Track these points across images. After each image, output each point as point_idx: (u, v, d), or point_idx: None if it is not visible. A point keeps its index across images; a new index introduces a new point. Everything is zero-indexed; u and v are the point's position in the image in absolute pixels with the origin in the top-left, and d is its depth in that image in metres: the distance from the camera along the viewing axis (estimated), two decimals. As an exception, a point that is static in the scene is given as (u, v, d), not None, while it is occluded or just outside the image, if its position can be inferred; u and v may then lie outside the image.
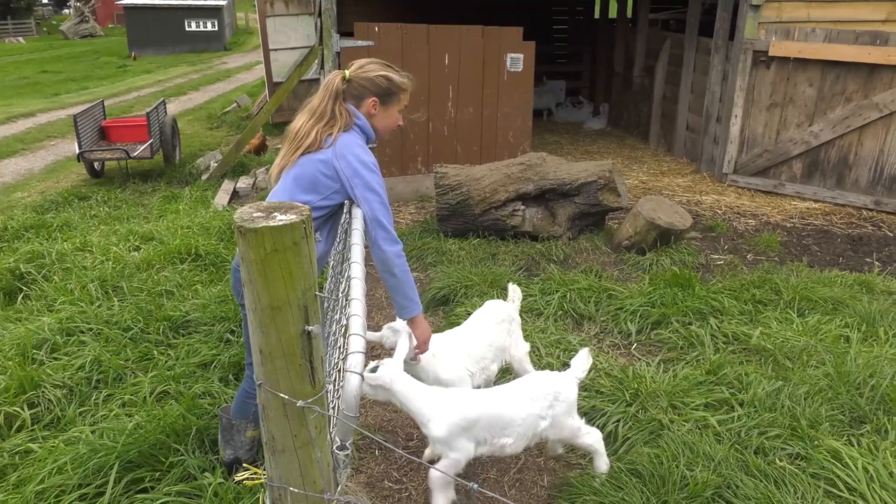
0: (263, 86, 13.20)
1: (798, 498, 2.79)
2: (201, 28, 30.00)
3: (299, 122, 2.76)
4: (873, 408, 3.40)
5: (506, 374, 3.67)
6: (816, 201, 7.52)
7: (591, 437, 3.01)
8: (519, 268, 5.49)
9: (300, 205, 1.57)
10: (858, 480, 2.82)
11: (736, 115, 7.75)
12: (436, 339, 3.15)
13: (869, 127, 7.16)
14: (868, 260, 5.93)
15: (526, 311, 4.61)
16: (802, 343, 4.07)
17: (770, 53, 7.34)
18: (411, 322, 2.82)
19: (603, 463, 3.03)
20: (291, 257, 1.48)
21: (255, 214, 1.50)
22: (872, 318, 4.44)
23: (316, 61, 8.28)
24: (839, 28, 7.17)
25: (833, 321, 4.42)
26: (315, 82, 10.53)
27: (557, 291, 4.85)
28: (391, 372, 2.66)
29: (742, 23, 7.50)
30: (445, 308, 4.84)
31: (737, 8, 7.70)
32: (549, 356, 4.07)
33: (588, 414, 3.48)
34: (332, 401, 1.97)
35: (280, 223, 1.46)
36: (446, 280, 5.07)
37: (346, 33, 6.94)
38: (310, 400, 1.55)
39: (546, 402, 2.83)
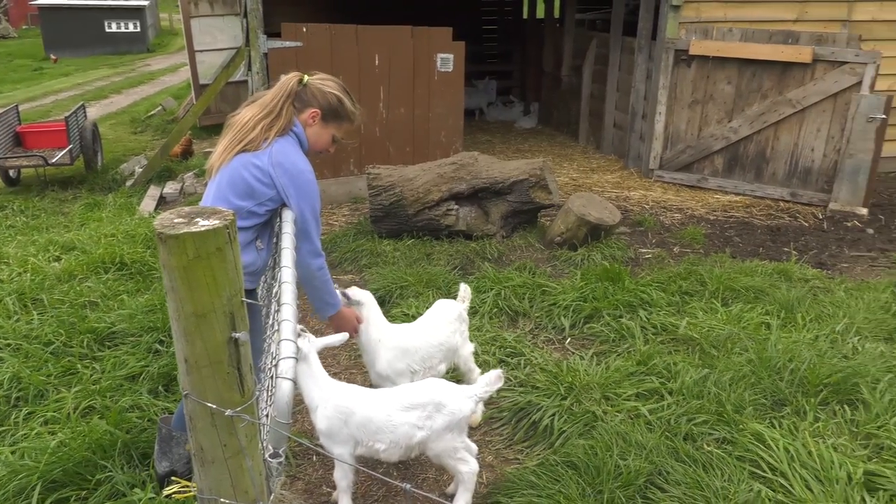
0: (189, 88, 12.86)
1: (725, 481, 2.90)
2: (122, 29, 29.00)
3: (247, 113, 2.72)
4: (793, 391, 3.56)
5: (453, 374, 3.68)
6: (737, 194, 7.82)
7: (466, 467, 2.78)
8: (454, 267, 5.52)
9: (224, 209, 1.54)
10: (780, 461, 2.95)
11: (660, 113, 7.99)
12: (388, 327, 3.21)
13: (784, 122, 7.49)
14: (786, 249, 6.21)
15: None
16: (727, 331, 4.23)
17: (690, 52, 7.59)
18: (333, 318, 2.94)
19: (464, 502, 2.79)
20: (216, 263, 1.44)
21: (176, 220, 1.46)
22: (791, 304, 4.65)
23: (243, 63, 8.12)
24: (754, 28, 7.48)
25: (755, 309, 4.60)
26: (243, 84, 10.33)
27: (492, 289, 4.90)
28: (308, 345, 2.67)
29: (663, 23, 7.74)
30: (381, 309, 4.80)
31: (658, 8, 7.94)
32: (486, 353, 4.10)
33: (524, 409, 3.54)
34: (266, 407, 1.95)
35: (203, 229, 1.43)
36: (381, 281, 5.05)
37: (273, 34, 6.83)
38: (239, 408, 1.52)
39: (425, 413, 2.69)
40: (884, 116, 6.80)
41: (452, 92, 7.54)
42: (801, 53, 7.15)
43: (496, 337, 4.30)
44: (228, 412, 1.50)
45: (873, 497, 2.79)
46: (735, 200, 7.66)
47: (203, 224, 1.44)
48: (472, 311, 4.70)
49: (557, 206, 6.26)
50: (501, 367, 4.00)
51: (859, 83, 7.00)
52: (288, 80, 2.76)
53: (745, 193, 7.80)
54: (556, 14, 12.72)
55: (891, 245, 6.38)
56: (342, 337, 2.84)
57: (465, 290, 3.59)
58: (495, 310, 4.72)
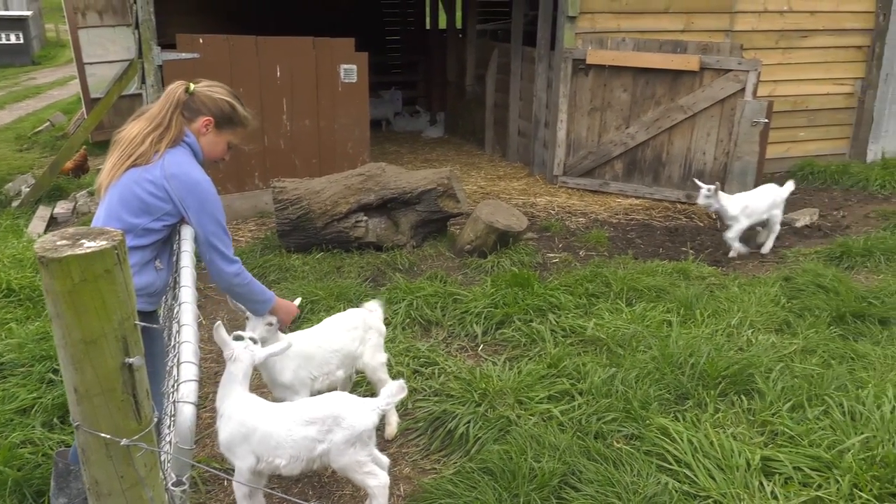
0: (80, 102, 12.25)
1: (634, 475, 2.99)
2: (3, 41, 27.33)
3: (134, 128, 2.62)
4: (694, 384, 3.72)
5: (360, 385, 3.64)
6: (637, 198, 8.13)
7: (375, 481, 2.73)
8: (365, 279, 5.48)
9: (112, 230, 1.47)
10: (685, 452, 3.07)
11: (561, 120, 8.22)
12: (286, 337, 3.17)
13: (677, 127, 7.86)
14: (684, 249, 6.50)
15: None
16: (631, 330, 4.38)
17: (588, 62, 7.86)
18: (273, 312, 2.96)
19: None
20: (104, 286, 1.38)
21: (59, 243, 1.39)
22: (690, 302, 4.87)
23: (137, 76, 7.81)
24: (646, 38, 7.82)
25: (657, 308, 4.79)
26: (137, 98, 9.93)
27: (404, 300, 4.89)
28: (246, 353, 2.64)
29: (561, 33, 7.98)
30: (291, 325, 4.71)
31: (556, 19, 8.18)
32: (399, 365, 4.08)
33: (440, 418, 3.54)
34: (169, 433, 1.87)
35: (89, 250, 1.36)
36: (291, 297, 4.94)
37: (168, 45, 6.61)
38: (136, 437, 1.46)
39: (324, 427, 2.64)
40: (766, 120, 7.24)
41: (357, 102, 7.50)
42: (690, 62, 7.53)
43: (409, 347, 4.29)
44: (124, 441, 1.43)
45: (770, 481, 2.94)
46: (635, 203, 7.96)
47: (89, 246, 1.37)
48: (385, 323, 4.67)
49: (466, 214, 6.32)
50: (416, 377, 4.00)
51: (743, 89, 7.43)
52: (174, 89, 2.67)
53: (644, 196, 8.12)
54: (458, 24, 12.89)
55: (777, 241, 6.78)
56: (285, 345, 2.77)
57: (375, 304, 3.60)
58: (408, 320, 4.71)
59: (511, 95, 9.71)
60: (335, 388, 3.30)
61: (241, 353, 2.62)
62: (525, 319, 4.63)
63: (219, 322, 2.55)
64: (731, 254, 6.08)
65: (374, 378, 3.48)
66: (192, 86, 2.69)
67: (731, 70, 7.45)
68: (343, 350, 3.33)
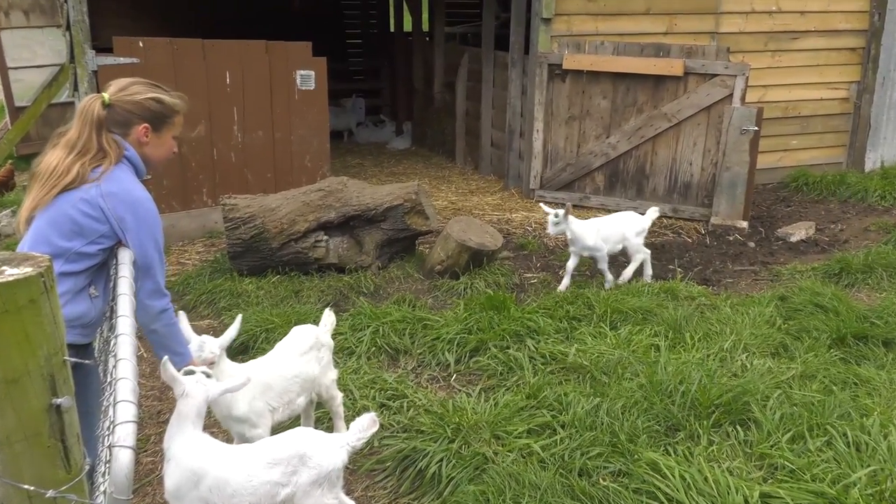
0: (3, 111, 12.04)
1: (623, 515, 2.98)
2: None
3: (54, 157, 2.54)
4: (685, 414, 3.73)
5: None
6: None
7: None
8: (326, 304, 5.43)
9: (38, 255, 1.43)
10: (677, 489, 3.07)
11: (537, 130, 8.29)
12: (234, 369, 3.16)
13: (661, 136, 7.97)
14: (671, 267, 6.56)
15: (336, 351, 4.56)
16: (616, 356, 4.39)
17: (564, 66, 7.95)
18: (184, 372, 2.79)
19: None
20: (28, 318, 1.34)
21: (-24, 270, 1.34)
22: (679, 324, 4.90)
23: (68, 82, 7.71)
24: (626, 41, 7.95)
25: (643, 331, 4.81)
26: (70, 106, 9.79)
27: (369, 326, 4.86)
28: (199, 389, 2.56)
29: (535, 36, 8.07)
30: (244, 357, 4.65)
31: (529, 22, 8.27)
32: (365, 398, 4.04)
33: (410, 456, 3.50)
34: (102, 482, 1.81)
35: (10, 278, 1.31)
36: (244, 325, 4.88)
37: (104, 49, 6.54)
38: (64, 487, 1.41)
39: (289, 468, 2.61)
40: (756, 128, 7.38)
41: (316, 112, 7.49)
42: (673, 66, 7.66)
43: (375, 379, 4.26)
44: (51, 493, 1.38)
45: (770, 518, 2.95)
46: (618, 218, 8.03)
47: (11, 273, 1.33)
48: (349, 352, 4.65)
49: (436, 232, 6.32)
50: (382, 411, 3.95)
51: (731, 95, 7.57)
52: (87, 106, 2.57)
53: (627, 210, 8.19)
54: (425, 27, 12.97)
55: (772, 258, 6.90)
56: (244, 380, 2.69)
57: (327, 316, 3.66)
58: (373, 349, 4.68)
59: (483, 103, 9.78)
60: (296, 417, 3.31)
61: (194, 388, 2.55)
62: (501, 346, 4.62)
63: (166, 357, 2.50)
64: (607, 285, 5.88)
65: (327, 396, 3.55)
66: (106, 96, 2.60)
67: (717, 75, 7.59)
68: (302, 375, 3.37)
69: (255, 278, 5.90)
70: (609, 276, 5.92)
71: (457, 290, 5.75)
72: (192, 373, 2.65)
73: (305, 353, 3.40)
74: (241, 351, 4.74)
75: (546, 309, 5.19)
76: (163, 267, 2.63)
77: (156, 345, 2.76)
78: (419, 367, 4.58)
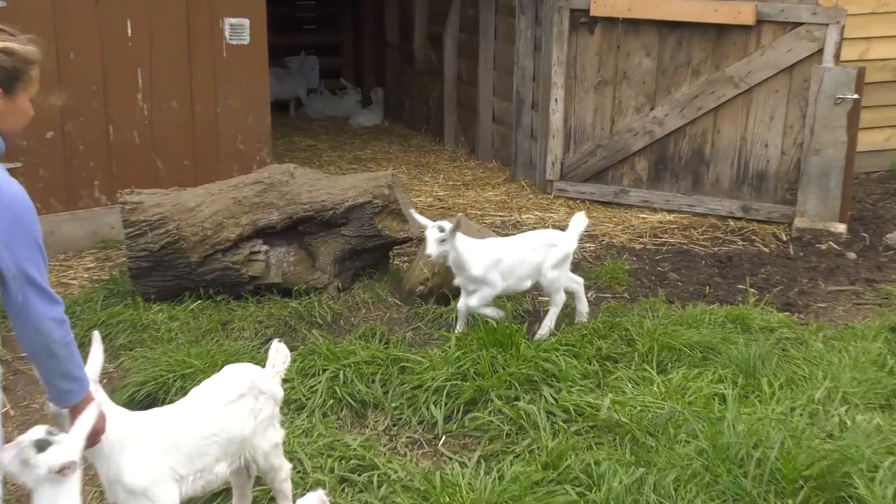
0: None
1: None
2: None
3: None
4: (763, 490, 3.71)
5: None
6: (670, 211, 8.23)
7: None
8: (266, 338, 5.40)
9: None
10: None
11: (556, 99, 8.30)
12: (129, 418, 3.14)
13: (725, 108, 7.99)
14: (741, 286, 6.56)
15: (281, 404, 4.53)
16: (666, 410, 4.36)
17: (592, 13, 7.98)
18: (78, 407, 2.78)
19: None
20: None
21: None
22: (752, 365, 4.89)
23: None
24: (677, -22, 7.97)
25: (703, 375, 4.80)
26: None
27: (326, 370, 4.83)
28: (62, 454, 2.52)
29: (553, -29, 8.10)
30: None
31: (545, -49, 8.30)
32: (318, 470, 4.01)
33: (381, 552, 3.47)
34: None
35: None
36: (151, 370, 4.85)
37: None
38: None
39: None
40: (856, 96, 7.38)
41: (251, 74, 7.47)
42: (741, 12, 7.69)
43: (334, 443, 4.23)
44: None
45: None
46: (668, 220, 8.05)
47: None
48: (298, 406, 4.61)
49: (417, 240, 6.30)
50: (343, 488, 3.92)
51: (820, 51, 7.59)
52: None
53: (680, 210, 8.21)
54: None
55: (880, 273, 6.89)
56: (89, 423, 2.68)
57: (277, 350, 3.60)
58: (331, 401, 4.65)
59: (481, 63, 9.78)
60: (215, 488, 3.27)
61: (54, 460, 2.53)
62: (508, 397, 4.59)
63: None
64: (459, 328, 5.54)
65: (267, 466, 3.48)
66: None
67: (801, 23, 7.63)
68: (226, 433, 3.28)
69: (166, 304, 5.86)
70: (487, 311, 5.50)
71: (446, 319, 5.73)
72: (45, 445, 2.59)
73: (234, 401, 3.33)
74: (146, 405, 4.67)
75: (569, 345, 5.17)
76: (46, 267, 2.62)
77: (49, 372, 2.73)
78: (395, 426, 4.54)
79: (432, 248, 5.35)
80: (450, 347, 5.15)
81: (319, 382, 4.74)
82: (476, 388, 4.66)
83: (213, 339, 5.37)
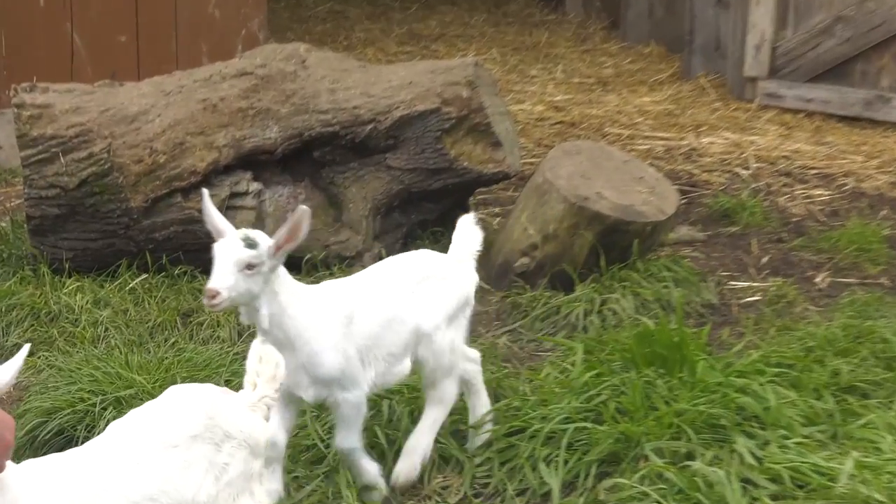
0: None
1: None
2: None
3: None
4: None
5: None
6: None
7: None
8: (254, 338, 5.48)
9: None
10: None
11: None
12: (37, 467, 3.21)
13: None
14: None
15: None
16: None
17: None
18: None
19: None
20: None
21: None
22: None
23: None
24: None
25: None
26: None
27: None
28: None
29: None
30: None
31: None
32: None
33: None
34: None
35: None
36: (62, 390, 4.96)
37: None
38: None
39: None
40: None
41: None
42: None
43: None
44: None
45: None
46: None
47: None
48: (313, 459, 4.67)
49: (519, 178, 6.32)
50: None
51: None
52: None
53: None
54: None
55: None
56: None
57: (260, 357, 3.63)
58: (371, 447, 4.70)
59: None
60: None
61: None
62: (675, 452, 4.60)
63: None
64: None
65: None
66: None
67: None
68: (171, 487, 3.33)
69: (89, 280, 5.99)
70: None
71: (565, 316, 5.78)
72: None
73: (178, 448, 3.38)
74: (55, 445, 4.79)
75: (783, 365, 5.15)
76: None
77: None
78: (477, 497, 4.60)
79: (222, 283, 4.30)
80: (573, 364, 5.17)
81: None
82: (619, 435, 4.67)
83: (167, 340, 5.53)
